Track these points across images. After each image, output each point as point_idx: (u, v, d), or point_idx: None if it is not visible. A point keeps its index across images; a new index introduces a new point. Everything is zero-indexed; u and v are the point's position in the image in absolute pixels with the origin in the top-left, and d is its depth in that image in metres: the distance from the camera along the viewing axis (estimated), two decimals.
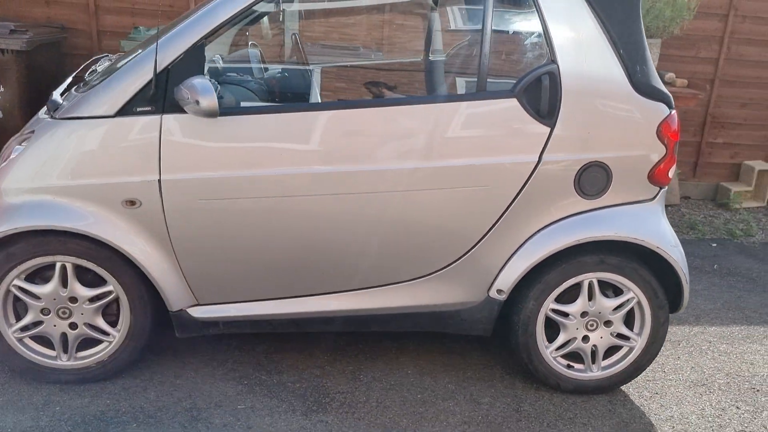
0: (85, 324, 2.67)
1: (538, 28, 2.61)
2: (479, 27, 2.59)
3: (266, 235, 2.60)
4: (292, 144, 2.54)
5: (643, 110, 2.66)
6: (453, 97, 2.57)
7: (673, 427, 2.77)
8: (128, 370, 2.81)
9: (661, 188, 2.77)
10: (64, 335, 2.68)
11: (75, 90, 2.73)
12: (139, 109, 2.45)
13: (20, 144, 2.58)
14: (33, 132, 2.54)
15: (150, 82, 2.42)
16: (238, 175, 2.50)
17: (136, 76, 2.44)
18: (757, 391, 3.06)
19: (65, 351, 2.71)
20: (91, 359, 2.73)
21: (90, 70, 3.22)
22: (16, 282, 2.58)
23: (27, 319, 2.64)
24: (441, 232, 2.68)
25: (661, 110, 2.68)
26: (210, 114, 2.32)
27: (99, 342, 2.73)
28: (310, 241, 2.64)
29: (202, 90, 2.29)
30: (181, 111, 2.43)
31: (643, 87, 2.65)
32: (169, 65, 2.43)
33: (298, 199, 2.56)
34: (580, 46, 2.60)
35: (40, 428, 2.48)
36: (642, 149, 2.68)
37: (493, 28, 2.58)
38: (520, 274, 2.71)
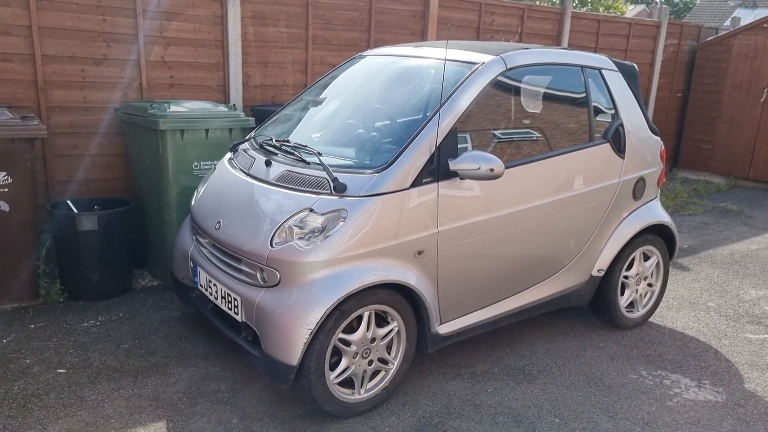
0: (378, 359, 3.28)
1: (610, 99, 4.10)
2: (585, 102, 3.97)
3: (497, 256, 3.58)
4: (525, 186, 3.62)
5: (656, 142, 4.34)
6: (579, 147, 3.90)
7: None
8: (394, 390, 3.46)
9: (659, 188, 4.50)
10: (364, 372, 3.25)
11: (274, 162, 3.51)
12: (424, 180, 3.22)
13: (304, 225, 3.09)
14: (341, 209, 3.07)
15: (431, 157, 3.21)
16: (484, 218, 3.44)
17: (420, 153, 3.20)
18: None
19: (361, 386, 3.27)
20: (377, 388, 3.34)
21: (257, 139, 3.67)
22: (340, 335, 3.09)
23: (342, 365, 3.16)
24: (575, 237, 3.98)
25: (659, 141, 4.39)
26: (499, 176, 3.23)
27: (376, 374, 3.35)
28: (515, 257, 3.68)
29: (493, 159, 3.19)
30: (449, 177, 3.27)
31: (651, 128, 4.33)
32: (440, 143, 3.25)
33: (518, 228, 3.60)
34: (629, 107, 4.16)
35: None
36: (657, 165, 4.37)
37: (593, 101, 3.98)
38: (613, 255, 4.16)
